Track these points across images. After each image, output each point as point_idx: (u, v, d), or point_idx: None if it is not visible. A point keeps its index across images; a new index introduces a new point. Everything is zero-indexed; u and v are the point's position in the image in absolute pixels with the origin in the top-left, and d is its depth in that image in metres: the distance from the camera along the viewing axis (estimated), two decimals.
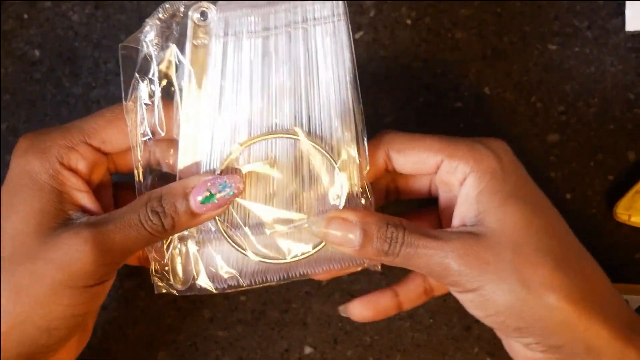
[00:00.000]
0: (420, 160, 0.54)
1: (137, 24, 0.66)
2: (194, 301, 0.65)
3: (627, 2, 0.63)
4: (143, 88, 0.52)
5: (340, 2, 0.53)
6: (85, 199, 0.52)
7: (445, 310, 0.64)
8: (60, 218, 0.50)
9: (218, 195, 0.50)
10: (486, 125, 0.65)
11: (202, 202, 0.49)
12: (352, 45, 0.53)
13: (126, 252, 0.50)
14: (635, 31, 0.64)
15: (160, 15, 0.53)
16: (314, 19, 0.53)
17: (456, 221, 0.53)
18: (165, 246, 0.54)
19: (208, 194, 0.49)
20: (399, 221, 0.51)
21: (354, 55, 0.53)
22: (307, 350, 0.65)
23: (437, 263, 0.50)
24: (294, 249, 0.53)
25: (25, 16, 0.66)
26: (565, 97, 0.65)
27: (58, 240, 0.48)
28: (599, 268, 0.52)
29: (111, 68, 0.66)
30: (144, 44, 0.53)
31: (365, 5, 0.66)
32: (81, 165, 0.52)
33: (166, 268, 0.54)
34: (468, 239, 0.50)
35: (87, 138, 0.52)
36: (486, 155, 0.52)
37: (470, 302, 0.51)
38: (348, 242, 0.50)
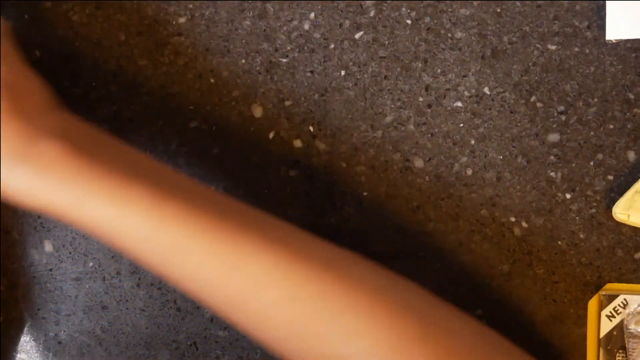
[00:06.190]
0: None
1: (137, 24, 0.66)
2: (194, 301, 0.65)
3: (607, 8, 0.63)
4: None
5: None
6: None
7: None
8: None
9: None
10: (486, 125, 0.65)
11: None
12: None
13: None
14: (617, 40, 0.64)
15: None
16: None
17: None
18: None
19: None
20: None
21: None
22: None
23: None
24: None
25: (26, 16, 0.66)
26: (565, 97, 0.65)
27: None
28: None
29: (111, 68, 0.66)
30: None
31: (365, 5, 0.66)
32: None
33: None
34: None
35: None
36: None
37: None
38: None
